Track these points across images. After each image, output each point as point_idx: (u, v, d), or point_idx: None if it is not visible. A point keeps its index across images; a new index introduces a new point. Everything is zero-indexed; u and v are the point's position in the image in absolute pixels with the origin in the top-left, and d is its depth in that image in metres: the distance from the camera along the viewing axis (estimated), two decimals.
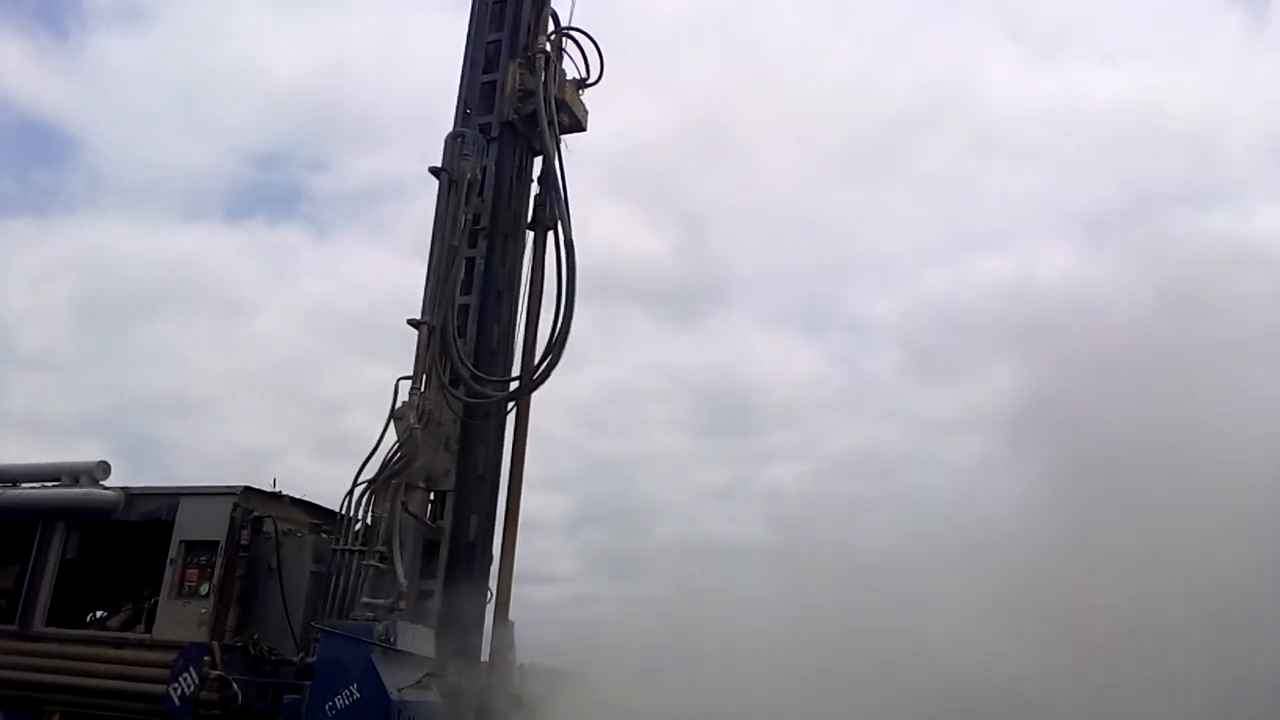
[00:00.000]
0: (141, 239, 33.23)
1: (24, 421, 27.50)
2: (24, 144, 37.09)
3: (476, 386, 8.95)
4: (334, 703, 7.36)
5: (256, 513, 8.60)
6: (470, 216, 9.22)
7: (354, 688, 7.35)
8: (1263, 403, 8.20)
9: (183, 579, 8.52)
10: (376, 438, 8.48)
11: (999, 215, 25.74)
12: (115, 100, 34.47)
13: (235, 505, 8.53)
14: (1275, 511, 7.63)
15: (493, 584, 9.05)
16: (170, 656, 8.06)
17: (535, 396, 9.48)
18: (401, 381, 8.62)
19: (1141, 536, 8.06)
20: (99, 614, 9.62)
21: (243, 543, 8.47)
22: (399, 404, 8.52)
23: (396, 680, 7.45)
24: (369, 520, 8.33)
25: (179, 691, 7.86)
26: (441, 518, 8.87)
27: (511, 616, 9.10)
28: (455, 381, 8.85)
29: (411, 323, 8.80)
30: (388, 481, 8.35)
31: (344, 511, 8.40)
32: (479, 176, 9.31)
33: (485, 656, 8.86)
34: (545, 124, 9.44)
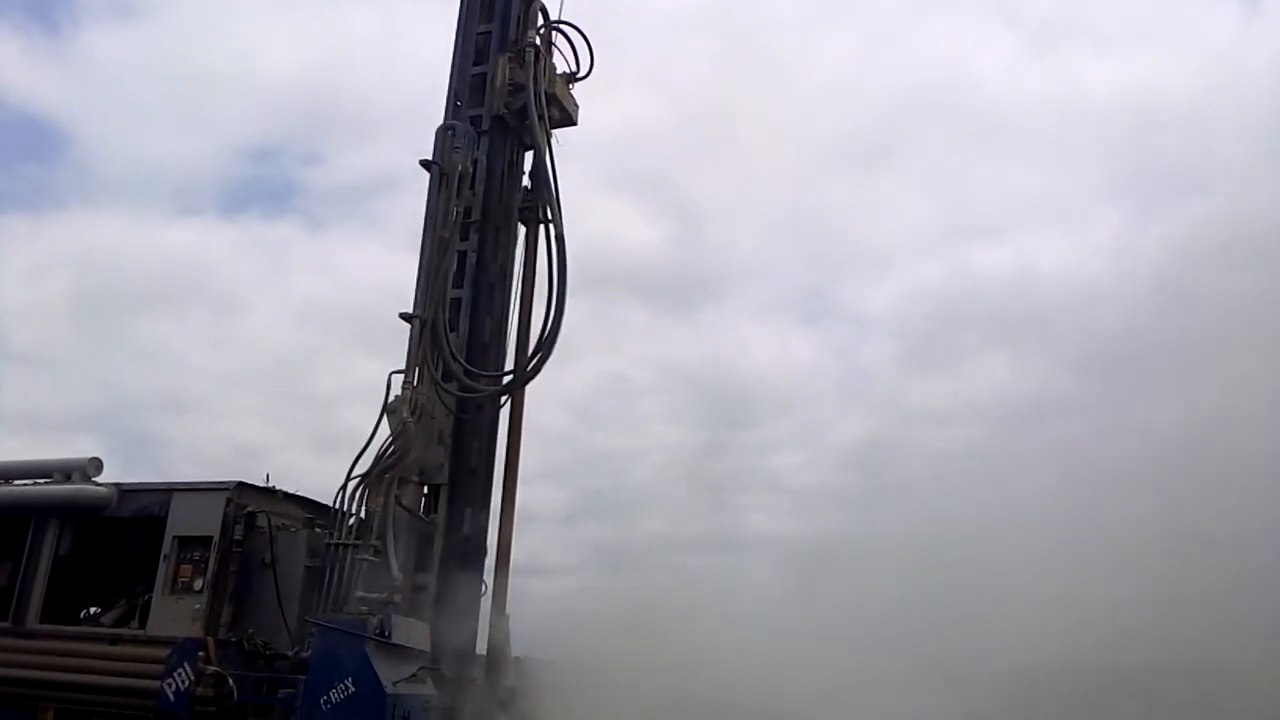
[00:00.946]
0: (135, 235, 33.20)
1: (18, 418, 27.49)
2: (16, 139, 37.06)
3: (469, 381, 8.94)
4: (329, 697, 7.34)
5: (250, 508, 8.57)
6: (461, 209, 9.19)
7: (349, 681, 7.33)
8: (1259, 391, 8.21)
9: (176, 574, 8.50)
10: (370, 432, 8.48)
11: (995, 205, 25.74)
12: (107, 95, 34.43)
13: (228, 501, 8.50)
14: (1274, 498, 7.65)
15: (488, 577, 9.05)
16: (164, 652, 8.03)
17: (530, 389, 9.50)
18: (394, 375, 8.60)
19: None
20: (93, 610, 9.63)
21: (236, 538, 8.43)
22: (392, 398, 8.50)
23: (391, 674, 7.42)
24: (363, 514, 8.32)
25: (173, 687, 7.84)
26: (435, 511, 8.87)
27: (508, 610, 9.10)
28: (448, 376, 8.83)
29: (403, 316, 8.77)
30: (381, 475, 8.34)
31: (338, 506, 8.39)
32: (470, 169, 9.28)
33: (481, 650, 8.86)
34: (535, 119, 9.41)
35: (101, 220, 34.38)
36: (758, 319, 29.06)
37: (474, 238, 9.43)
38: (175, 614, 8.36)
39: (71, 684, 8.51)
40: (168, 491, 8.92)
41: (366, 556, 8.04)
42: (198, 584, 8.37)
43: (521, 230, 9.81)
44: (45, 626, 9.09)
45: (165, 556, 8.56)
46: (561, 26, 10.19)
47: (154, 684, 7.94)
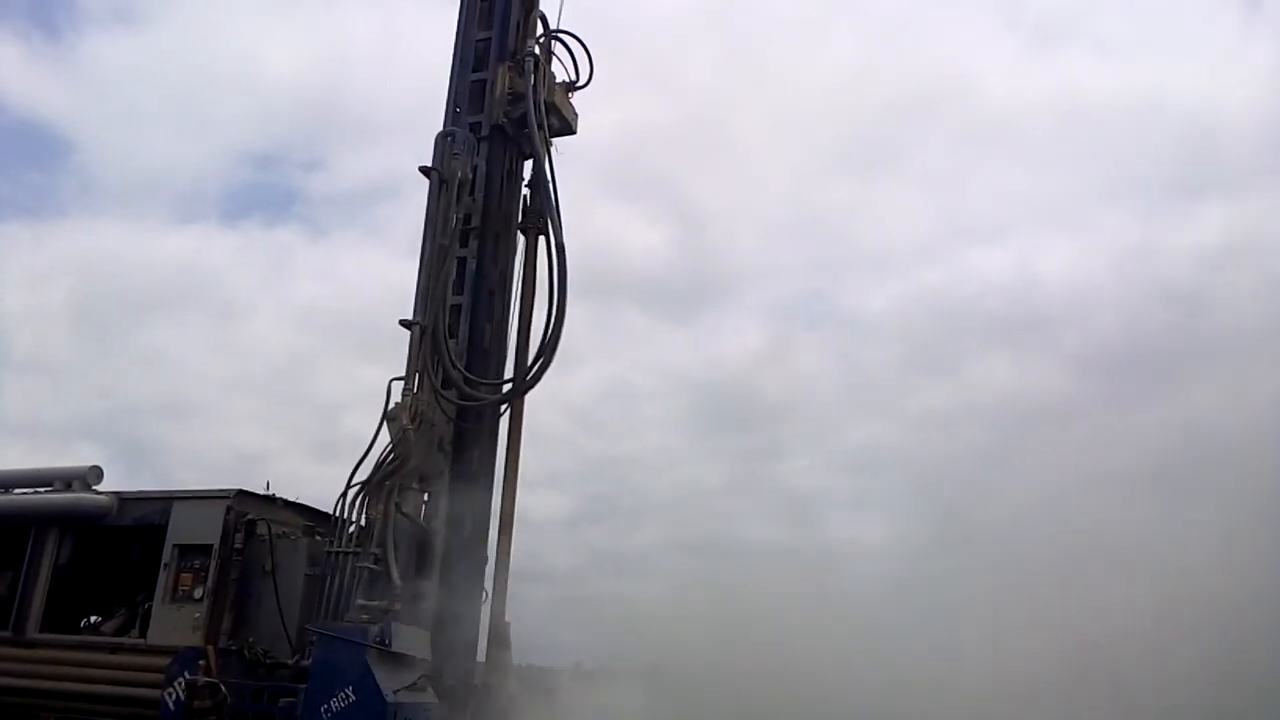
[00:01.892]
0: (136, 242, 33.29)
1: (18, 425, 27.50)
2: (17, 147, 37.12)
3: (468, 389, 8.92)
4: (329, 705, 7.32)
5: (250, 516, 8.57)
6: (461, 216, 9.19)
7: (349, 690, 7.32)
8: (1260, 394, 8.21)
9: (176, 583, 8.50)
10: (370, 439, 8.46)
11: (996, 208, 25.74)
12: (109, 102, 34.53)
13: (229, 509, 8.50)
14: (1274, 499, 7.64)
15: (488, 584, 9.03)
16: (165, 661, 8.01)
17: (531, 395, 9.47)
18: (394, 382, 8.58)
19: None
20: (93, 619, 9.62)
21: (236, 546, 8.44)
22: (392, 405, 8.48)
23: (392, 682, 7.41)
24: (363, 522, 8.30)
25: (174, 696, 7.81)
26: (436, 518, 8.84)
27: (508, 617, 9.07)
28: (447, 383, 8.81)
29: (403, 323, 8.76)
30: (381, 483, 8.32)
31: (338, 513, 8.37)
32: (469, 176, 9.28)
33: (481, 657, 8.83)
34: (535, 128, 9.41)
35: (103, 227, 34.57)
36: (759, 323, 29.03)
37: (474, 244, 9.42)
38: (175, 623, 8.36)
39: (72, 693, 8.52)
40: (168, 500, 8.93)
41: (367, 564, 8.02)
42: (198, 592, 8.38)
43: (521, 239, 9.81)
44: (45, 635, 9.09)
45: (165, 565, 8.57)
46: (561, 36, 10.19)
47: (154, 693, 7.92)
